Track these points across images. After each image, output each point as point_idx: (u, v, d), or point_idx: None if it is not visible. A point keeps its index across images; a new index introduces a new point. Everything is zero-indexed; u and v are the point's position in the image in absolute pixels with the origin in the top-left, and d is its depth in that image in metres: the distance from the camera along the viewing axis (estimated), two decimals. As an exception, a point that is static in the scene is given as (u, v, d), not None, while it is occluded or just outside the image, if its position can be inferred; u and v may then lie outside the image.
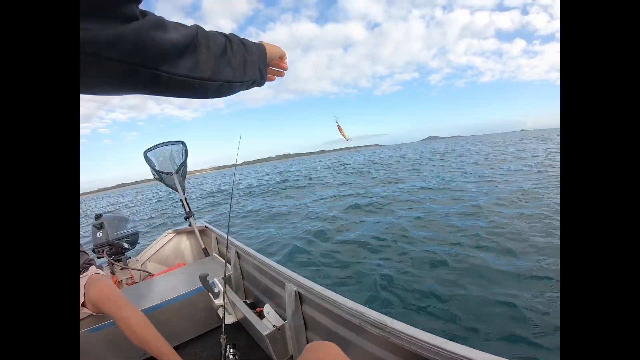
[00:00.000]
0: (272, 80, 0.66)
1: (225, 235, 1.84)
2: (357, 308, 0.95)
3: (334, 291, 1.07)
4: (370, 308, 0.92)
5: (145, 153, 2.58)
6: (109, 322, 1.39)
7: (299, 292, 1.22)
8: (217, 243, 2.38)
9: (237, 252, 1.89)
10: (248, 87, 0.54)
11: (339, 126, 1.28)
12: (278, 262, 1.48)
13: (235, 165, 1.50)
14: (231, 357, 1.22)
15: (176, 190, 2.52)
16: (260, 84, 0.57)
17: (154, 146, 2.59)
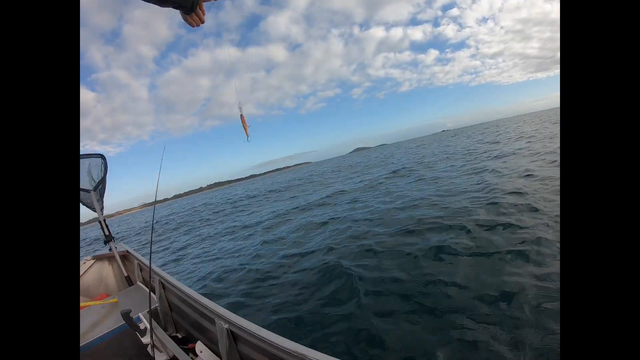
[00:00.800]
0: (192, 22, 0.78)
1: (148, 263, 1.64)
2: (298, 350, 0.85)
3: (270, 329, 0.97)
4: (313, 348, 0.84)
5: None
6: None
7: (231, 330, 1.10)
8: (141, 271, 2.15)
9: (161, 282, 1.69)
10: (176, 7, 0.70)
11: (242, 116, 1.16)
12: (206, 294, 1.33)
13: (154, 202, 1.39)
14: None
15: (92, 209, 2.22)
16: (187, 11, 0.73)
17: None
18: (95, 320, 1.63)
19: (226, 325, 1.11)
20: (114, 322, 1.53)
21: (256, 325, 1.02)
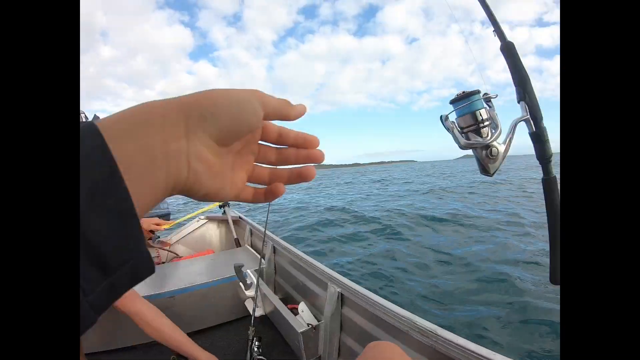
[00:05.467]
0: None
1: (262, 229, 1.87)
2: (403, 314, 0.93)
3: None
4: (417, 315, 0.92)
5: None
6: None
7: (341, 294, 1.20)
8: (251, 235, 2.34)
9: (273, 247, 1.85)
10: None
11: None
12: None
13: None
14: (255, 349, 1.22)
15: None
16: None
17: None
18: (198, 270, 1.79)
19: (338, 289, 1.20)
20: (215, 274, 1.68)
21: (367, 290, 1.11)
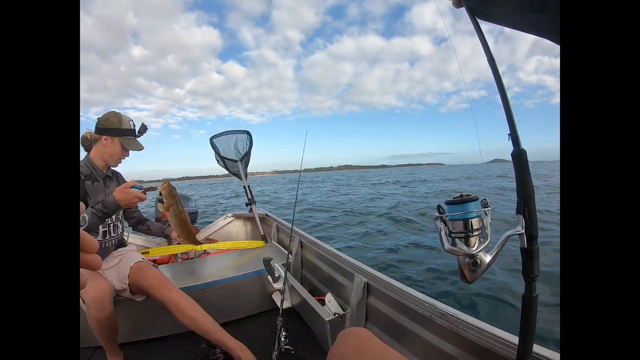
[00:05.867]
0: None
1: (288, 224, 1.97)
2: (426, 299, 0.96)
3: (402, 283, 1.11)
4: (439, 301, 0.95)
5: (211, 139, 2.67)
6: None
7: (367, 283, 1.24)
8: (278, 231, 2.41)
9: (300, 241, 1.92)
10: None
11: None
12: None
13: (300, 170, 1.68)
14: (282, 339, 1.25)
15: (239, 177, 2.64)
16: None
17: (220, 133, 2.69)
18: (226, 265, 1.87)
19: (365, 279, 1.24)
20: (243, 268, 1.75)
21: (392, 279, 1.14)
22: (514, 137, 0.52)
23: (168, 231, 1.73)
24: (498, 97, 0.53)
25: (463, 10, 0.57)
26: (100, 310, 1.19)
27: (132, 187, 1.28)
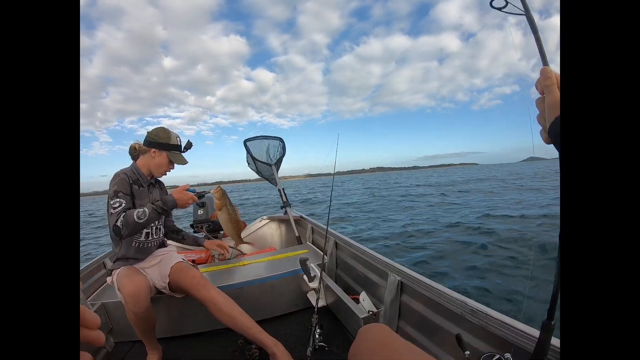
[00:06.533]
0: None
1: (323, 226, 2.04)
2: (457, 297, 0.98)
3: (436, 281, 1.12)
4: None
5: (245, 142, 2.71)
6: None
7: (401, 282, 1.26)
8: (312, 232, 2.45)
9: (335, 242, 1.96)
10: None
11: None
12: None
13: (333, 174, 1.74)
14: (317, 336, 1.28)
15: (271, 181, 2.69)
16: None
17: (254, 137, 2.73)
18: (262, 265, 1.92)
19: (399, 277, 1.27)
20: (279, 268, 1.80)
21: (426, 277, 1.16)
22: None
23: (201, 241, 1.81)
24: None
25: (487, 3, 0.54)
26: (137, 305, 1.25)
27: (186, 190, 1.44)
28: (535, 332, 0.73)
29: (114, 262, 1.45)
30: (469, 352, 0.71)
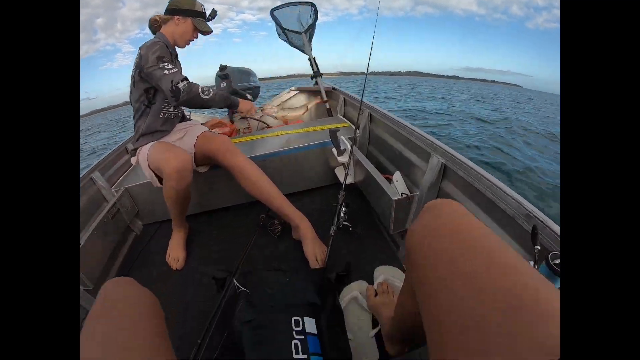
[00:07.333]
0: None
1: (358, 97, 1.83)
2: (513, 195, 0.81)
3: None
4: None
5: (272, 11, 2.50)
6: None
7: (444, 165, 1.09)
8: (345, 105, 2.27)
9: (370, 115, 1.74)
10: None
11: None
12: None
13: (366, 73, 1.52)
14: (342, 215, 1.20)
15: (302, 50, 2.48)
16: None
17: (281, 5, 2.50)
18: (287, 137, 1.79)
19: (443, 160, 1.09)
20: (306, 141, 1.67)
21: (475, 164, 0.98)
22: None
23: (235, 100, 1.57)
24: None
25: None
26: (181, 181, 1.17)
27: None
28: None
29: (137, 140, 1.35)
30: (539, 248, 0.61)
